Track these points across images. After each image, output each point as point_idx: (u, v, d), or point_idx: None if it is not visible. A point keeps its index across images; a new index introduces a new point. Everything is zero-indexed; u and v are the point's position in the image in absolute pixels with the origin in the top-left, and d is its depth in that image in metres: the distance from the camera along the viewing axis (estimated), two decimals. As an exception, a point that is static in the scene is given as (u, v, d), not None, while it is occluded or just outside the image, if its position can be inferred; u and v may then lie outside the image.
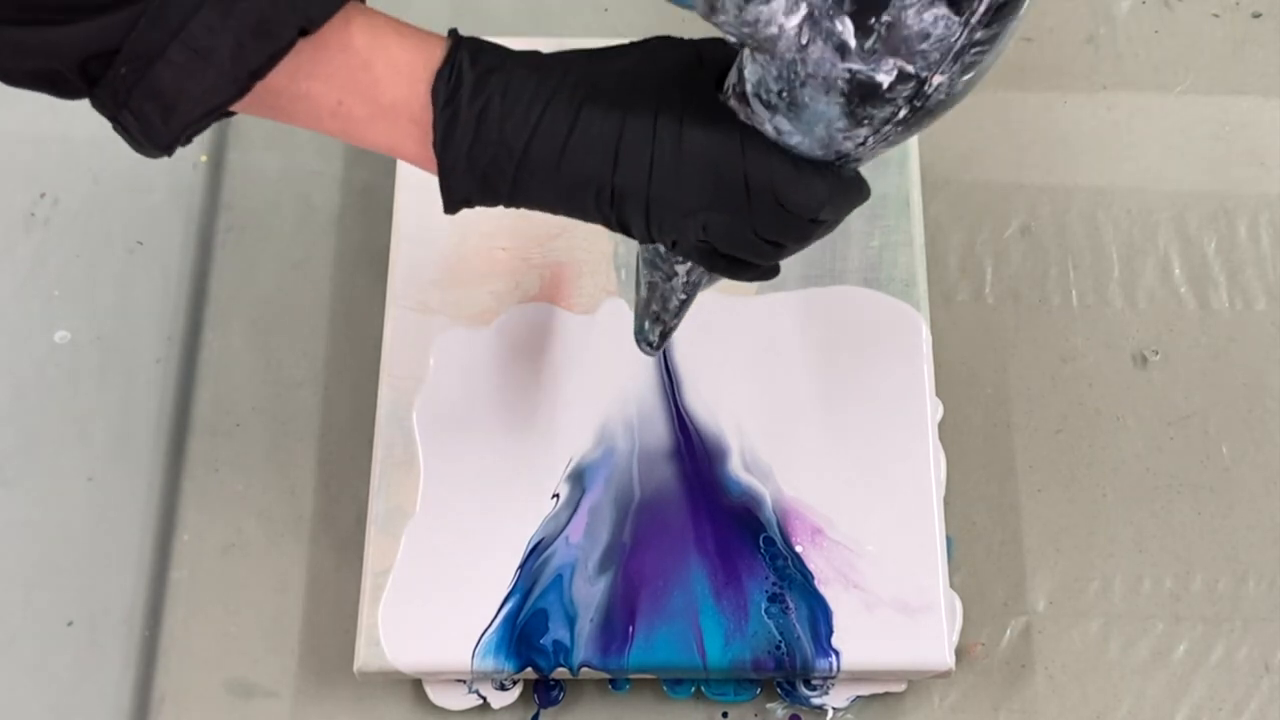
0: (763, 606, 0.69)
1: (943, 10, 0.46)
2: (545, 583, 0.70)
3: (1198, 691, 0.73)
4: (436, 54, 0.54)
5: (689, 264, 0.60)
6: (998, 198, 0.84)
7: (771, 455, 0.72)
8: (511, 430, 0.73)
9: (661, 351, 0.71)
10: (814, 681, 0.71)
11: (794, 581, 0.70)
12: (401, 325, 0.75)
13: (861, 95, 0.49)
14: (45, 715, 0.73)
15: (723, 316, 0.75)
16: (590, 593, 0.70)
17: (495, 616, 0.69)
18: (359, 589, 0.70)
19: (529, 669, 0.69)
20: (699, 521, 0.71)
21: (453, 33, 0.55)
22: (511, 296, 0.76)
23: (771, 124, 0.52)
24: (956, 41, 0.47)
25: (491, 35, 0.82)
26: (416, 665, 0.69)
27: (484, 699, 0.71)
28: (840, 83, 0.49)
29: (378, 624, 0.69)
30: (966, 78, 0.49)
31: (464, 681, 0.71)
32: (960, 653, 0.71)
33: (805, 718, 0.72)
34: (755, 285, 0.76)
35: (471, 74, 0.53)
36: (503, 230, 0.76)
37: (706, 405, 0.74)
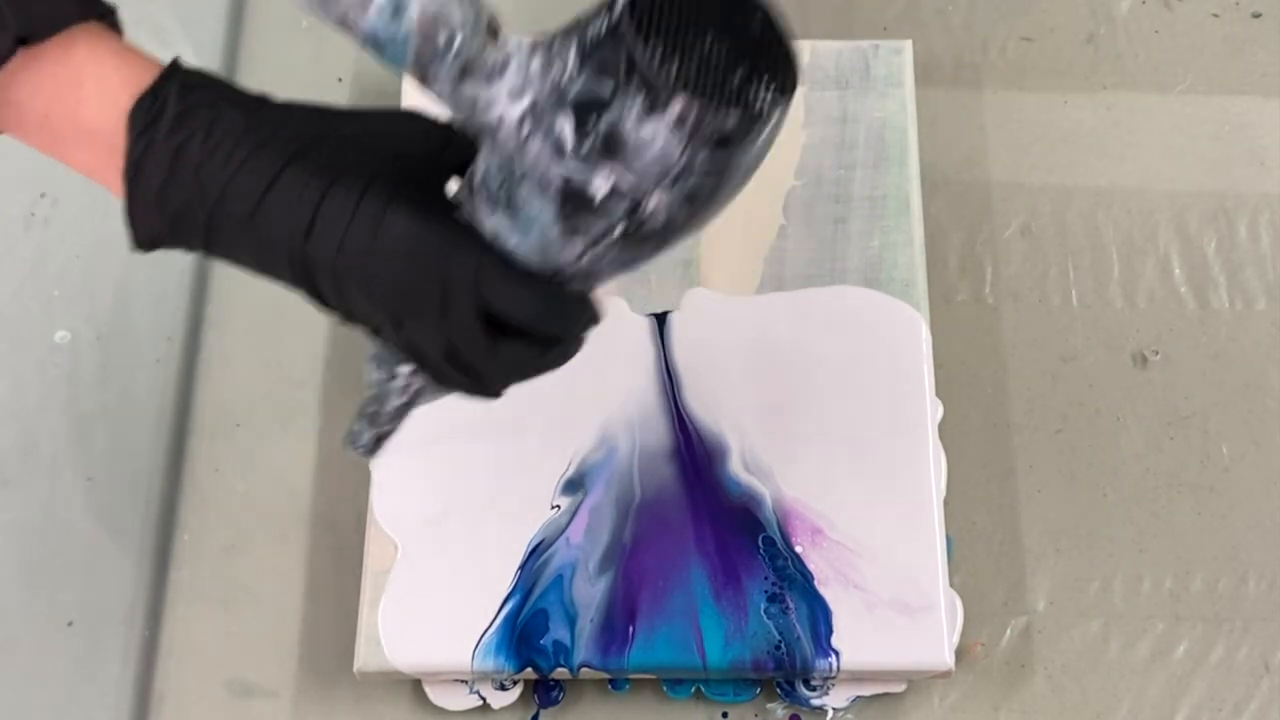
0: (762, 606, 0.69)
1: (662, 126, 0.44)
2: (546, 583, 0.70)
3: (1198, 691, 0.73)
4: (146, 80, 0.50)
5: (411, 367, 0.55)
6: (998, 198, 0.84)
7: (771, 455, 0.72)
8: (512, 431, 0.73)
9: (662, 352, 0.70)
10: (814, 681, 0.71)
11: (794, 581, 0.70)
12: (401, 325, 0.74)
13: (575, 204, 0.46)
14: (45, 715, 0.73)
15: (723, 316, 0.75)
16: (590, 593, 0.70)
17: (495, 617, 0.69)
18: (359, 589, 0.70)
19: (529, 669, 0.69)
20: (699, 522, 0.71)
21: (174, 62, 0.51)
22: (511, 296, 0.75)
23: (490, 222, 0.49)
24: (675, 164, 0.45)
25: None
26: (416, 665, 0.69)
27: (484, 699, 0.71)
28: (556, 185, 0.46)
29: (378, 624, 0.69)
30: (688, 206, 0.46)
31: (464, 681, 0.71)
32: (960, 653, 0.71)
33: (805, 718, 0.72)
34: (755, 284, 0.76)
35: (176, 106, 0.49)
36: (503, 230, 0.76)
37: (706, 405, 0.74)
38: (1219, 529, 0.76)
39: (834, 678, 0.70)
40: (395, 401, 0.57)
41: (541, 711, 0.72)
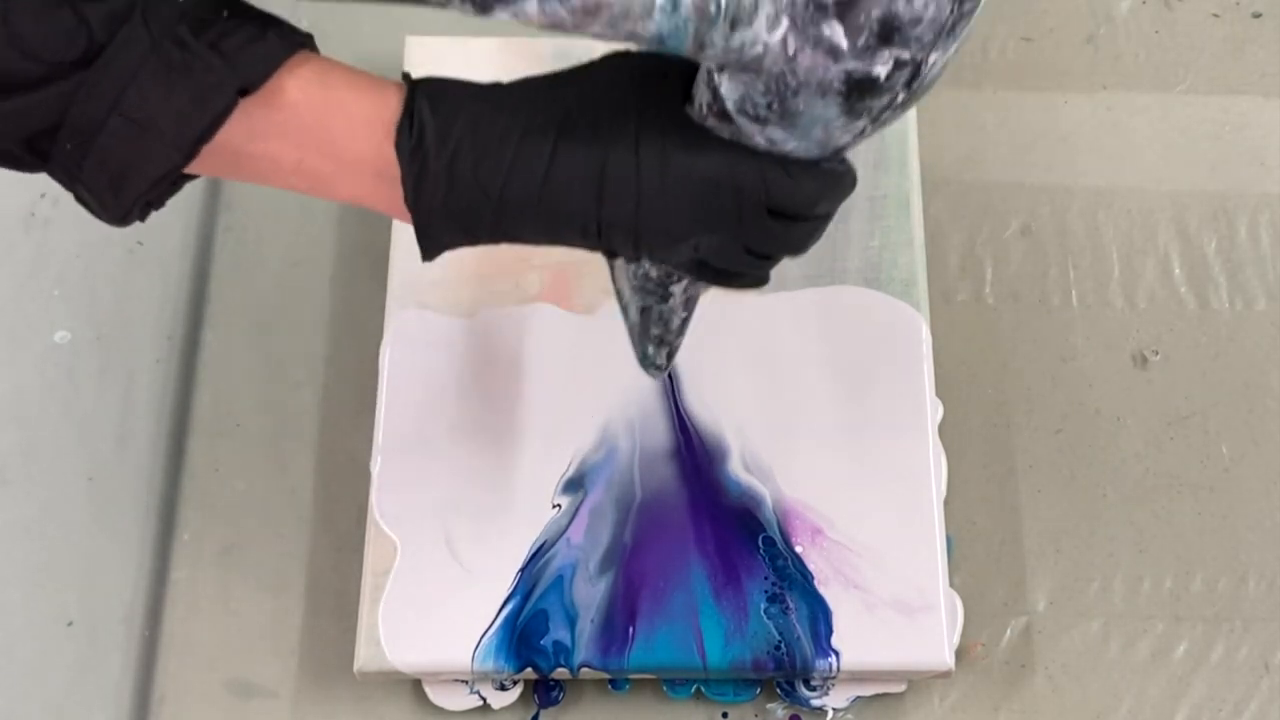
0: (762, 607, 0.69)
1: None
2: (546, 583, 0.70)
3: (1198, 691, 0.73)
4: (393, 103, 0.51)
5: (684, 282, 0.59)
6: (998, 198, 0.84)
7: (771, 455, 0.72)
8: (513, 431, 0.73)
9: None
10: (814, 682, 0.71)
11: (794, 581, 0.70)
12: (401, 325, 0.75)
13: (860, 91, 0.48)
14: (45, 715, 0.73)
15: (723, 316, 0.75)
16: (591, 593, 0.70)
17: (495, 617, 0.69)
18: (359, 589, 0.70)
19: (529, 669, 0.69)
20: (699, 522, 0.71)
21: (406, 77, 0.52)
22: (512, 297, 0.76)
23: (763, 135, 0.51)
24: (947, 16, 0.47)
25: (493, 35, 0.83)
26: (416, 665, 0.69)
27: (484, 699, 0.71)
28: (837, 84, 0.48)
29: (378, 624, 0.69)
30: (956, 48, 0.49)
31: (464, 681, 0.71)
32: (960, 653, 0.71)
33: (805, 718, 0.72)
34: (756, 285, 0.76)
35: (434, 121, 0.51)
36: (503, 230, 0.76)
37: (706, 405, 0.74)
38: (1219, 529, 0.76)
39: (834, 678, 0.70)
40: (679, 317, 0.61)
41: (541, 711, 0.72)
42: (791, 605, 0.69)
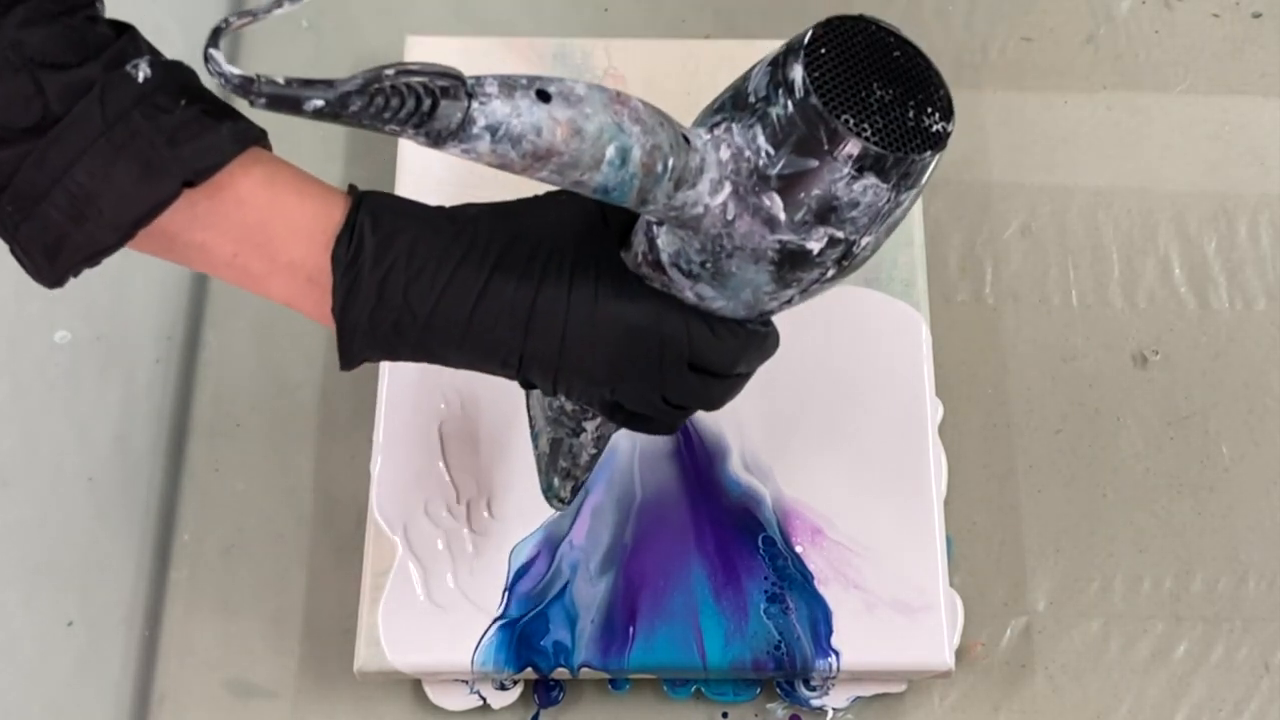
0: (762, 607, 0.69)
1: (870, 180, 0.47)
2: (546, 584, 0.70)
3: (1198, 691, 0.73)
4: (336, 215, 0.52)
5: (598, 419, 0.60)
6: (998, 198, 0.84)
7: (771, 455, 0.72)
8: (512, 431, 0.72)
9: None
10: (814, 681, 0.71)
11: (794, 581, 0.70)
12: (401, 325, 0.74)
13: (792, 262, 0.49)
14: (45, 715, 0.73)
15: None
16: (591, 593, 0.70)
17: (496, 617, 0.69)
18: (359, 589, 0.70)
19: (529, 669, 0.69)
20: (699, 522, 0.71)
21: (352, 189, 0.53)
22: (511, 296, 0.75)
23: (693, 290, 0.52)
24: (884, 205, 0.48)
25: (492, 35, 0.83)
26: (416, 665, 0.69)
27: (484, 699, 0.71)
28: (770, 253, 0.49)
29: (378, 624, 0.69)
30: (889, 232, 0.50)
31: (464, 681, 0.71)
32: (960, 653, 0.71)
33: (805, 718, 0.72)
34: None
35: (373, 237, 0.51)
36: (503, 230, 0.76)
37: (706, 405, 0.73)
38: (1219, 529, 0.76)
39: (834, 678, 0.70)
40: (588, 453, 0.62)
41: (541, 711, 0.72)
42: (791, 605, 0.69)
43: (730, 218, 0.48)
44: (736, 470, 0.72)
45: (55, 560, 0.75)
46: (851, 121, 0.46)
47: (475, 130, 0.44)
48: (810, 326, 0.75)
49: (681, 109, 0.80)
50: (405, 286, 0.51)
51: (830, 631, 0.69)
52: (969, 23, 0.89)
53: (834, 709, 0.72)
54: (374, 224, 0.51)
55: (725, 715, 0.72)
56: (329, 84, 0.43)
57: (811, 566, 0.70)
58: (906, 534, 0.71)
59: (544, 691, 0.72)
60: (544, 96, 0.45)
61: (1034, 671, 0.73)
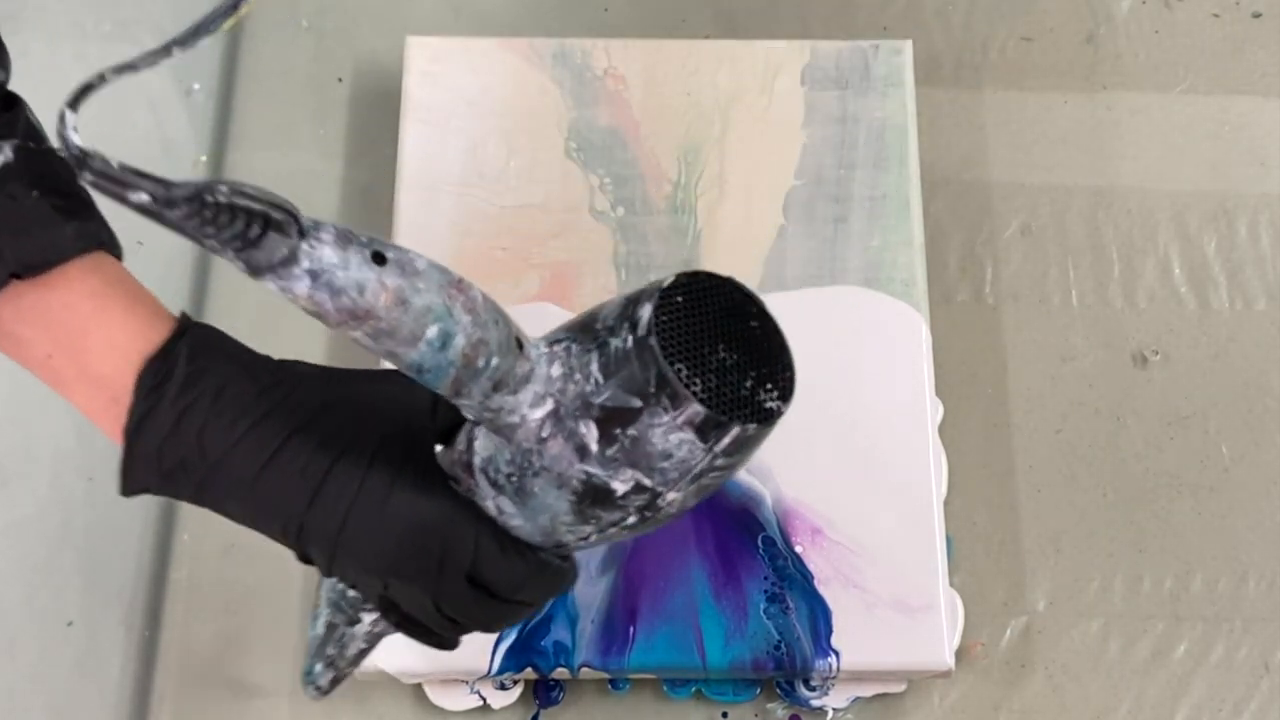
0: (762, 606, 0.69)
1: (689, 435, 0.45)
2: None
3: (1198, 691, 0.73)
4: (156, 337, 0.50)
5: (376, 615, 0.57)
6: (998, 198, 0.84)
7: (771, 455, 0.72)
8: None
9: None
10: (814, 682, 0.71)
11: (794, 581, 0.70)
12: (401, 325, 0.74)
13: (594, 498, 0.48)
14: (45, 715, 0.73)
15: (723, 316, 0.75)
16: (591, 594, 0.70)
17: (495, 617, 0.69)
18: (359, 589, 0.70)
19: (529, 669, 0.69)
20: (699, 522, 0.71)
21: (183, 316, 0.51)
22: (511, 296, 0.75)
23: (495, 502, 0.50)
24: (697, 465, 0.46)
25: (492, 35, 0.83)
26: (416, 666, 0.69)
27: (484, 699, 0.71)
28: (575, 482, 0.47)
29: (378, 624, 0.69)
30: (699, 495, 0.48)
31: (464, 681, 0.71)
32: (960, 653, 0.71)
33: (805, 718, 0.72)
34: (755, 284, 0.75)
35: (185, 369, 0.49)
36: (503, 230, 0.76)
37: (706, 405, 0.73)
38: (1219, 529, 0.76)
39: (834, 678, 0.70)
40: (358, 646, 0.58)
41: (541, 711, 0.72)
42: (791, 605, 0.69)
43: (544, 435, 0.47)
44: (736, 470, 0.72)
45: (55, 560, 0.75)
46: (684, 372, 0.45)
47: (297, 271, 0.42)
48: (810, 326, 0.75)
49: (681, 109, 0.80)
50: (202, 426, 0.49)
51: (830, 631, 0.69)
52: (969, 23, 0.89)
53: (834, 709, 0.72)
54: (190, 355, 0.50)
55: (725, 715, 0.72)
56: (164, 183, 0.41)
57: (811, 566, 0.70)
58: (906, 534, 0.71)
59: (544, 691, 0.72)
60: (379, 259, 0.44)
61: (1034, 671, 0.73)
